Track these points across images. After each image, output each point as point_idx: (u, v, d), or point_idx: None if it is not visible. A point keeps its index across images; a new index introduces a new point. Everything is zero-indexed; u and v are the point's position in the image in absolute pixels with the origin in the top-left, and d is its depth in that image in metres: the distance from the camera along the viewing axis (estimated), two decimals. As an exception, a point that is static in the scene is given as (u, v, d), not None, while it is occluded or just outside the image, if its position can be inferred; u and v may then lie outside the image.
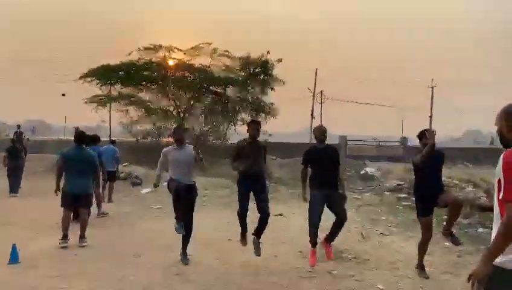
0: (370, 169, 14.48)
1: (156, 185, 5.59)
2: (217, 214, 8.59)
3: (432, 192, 4.65)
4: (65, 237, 5.86)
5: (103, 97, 23.83)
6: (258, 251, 5.11)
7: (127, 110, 23.92)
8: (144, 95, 24.20)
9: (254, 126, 5.24)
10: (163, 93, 24.39)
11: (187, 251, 5.23)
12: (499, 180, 1.99)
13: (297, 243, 6.17)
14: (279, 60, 23.53)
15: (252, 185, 5.04)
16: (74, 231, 6.07)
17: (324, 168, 4.99)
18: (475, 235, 7.02)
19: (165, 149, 5.41)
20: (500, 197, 1.96)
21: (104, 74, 23.21)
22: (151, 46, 24.18)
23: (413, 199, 10.55)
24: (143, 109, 23.39)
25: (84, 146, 6.20)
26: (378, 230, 7.41)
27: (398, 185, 12.82)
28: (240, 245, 5.30)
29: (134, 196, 11.33)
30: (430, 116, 44.74)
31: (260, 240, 5.14)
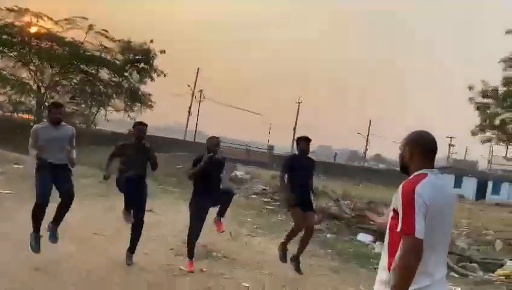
0: (240, 172, 15.20)
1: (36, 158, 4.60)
2: (82, 205, 7.95)
3: (302, 194, 5.12)
4: None
5: None
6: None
7: (-27, 76, 20.40)
8: (-1, 62, 20.99)
9: (140, 128, 4.99)
10: (24, 64, 21.48)
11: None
12: (395, 210, 1.94)
13: (169, 240, 6.18)
14: (162, 51, 23.05)
15: (133, 193, 4.84)
16: None
17: (211, 179, 4.94)
18: (324, 240, 8.03)
19: (35, 127, 4.76)
20: (398, 230, 1.88)
21: None
22: (15, 8, 21.19)
23: (276, 203, 11.53)
24: (-5, 77, 20.23)
25: None
26: (245, 231, 7.87)
27: (264, 189, 13.78)
28: (108, 239, 5.07)
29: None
30: (294, 129, 49.02)
31: None
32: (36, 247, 4.50)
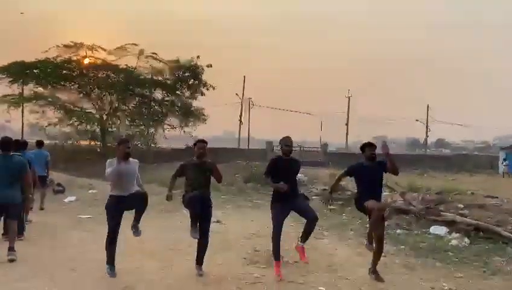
0: (299, 174, 15.13)
1: None
2: (152, 222, 8.39)
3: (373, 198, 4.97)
4: None
5: (16, 97, 21.88)
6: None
7: (43, 112, 22.30)
8: (63, 96, 22.77)
9: (201, 145, 5.14)
10: (85, 94, 23.12)
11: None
12: None
13: (240, 249, 6.34)
14: (209, 65, 23.69)
15: (201, 209, 5.02)
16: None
17: (288, 179, 5.06)
18: (394, 237, 7.76)
19: (109, 160, 5.13)
20: None
21: (17, 72, 21.35)
22: (72, 44, 22.88)
23: (339, 203, 11.35)
24: (62, 111, 21.95)
25: (10, 153, 5.76)
26: (311, 234, 7.83)
27: (324, 189, 13.63)
28: (182, 253, 5.29)
29: (58, 205, 10.62)
30: (347, 124, 48.00)
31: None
32: (112, 274, 4.90)
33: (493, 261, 6.10)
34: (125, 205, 4.96)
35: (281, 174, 5.10)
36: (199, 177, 5.07)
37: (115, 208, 4.93)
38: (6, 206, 5.55)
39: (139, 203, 5.01)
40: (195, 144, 5.28)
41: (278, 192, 5.07)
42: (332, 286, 4.82)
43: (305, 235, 5.31)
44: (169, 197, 5.28)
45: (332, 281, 5.02)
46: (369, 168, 5.04)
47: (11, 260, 5.44)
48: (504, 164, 29.87)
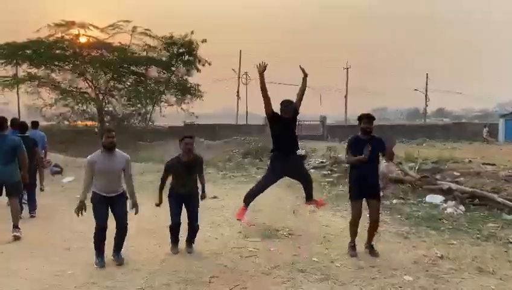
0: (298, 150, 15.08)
1: (81, 204, 4.63)
2: (150, 200, 8.41)
3: (365, 180, 4.83)
4: None
5: (10, 79, 21.58)
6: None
7: (39, 93, 22.05)
8: (57, 76, 22.45)
9: (188, 141, 4.96)
10: (80, 74, 22.76)
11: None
12: None
13: (236, 224, 6.37)
14: (204, 41, 23.21)
15: (185, 202, 5.08)
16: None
17: (287, 136, 5.39)
18: (390, 206, 7.80)
19: (89, 158, 4.61)
20: None
21: (9, 53, 20.95)
22: (63, 23, 22.35)
23: (335, 175, 11.36)
24: (58, 91, 21.68)
25: (5, 133, 5.82)
26: (307, 206, 7.87)
27: (321, 162, 13.66)
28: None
29: (56, 185, 10.64)
30: (346, 96, 47.68)
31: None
32: (101, 265, 4.58)
33: (487, 227, 6.14)
34: (109, 203, 4.62)
35: (281, 132, 5.32)
36: (187, 176, 5.00)
37: (99, 206, 4.58)
38: (3, 184, 5.65)
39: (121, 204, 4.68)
40: (181, 140, 5.02)
41: (277, 149, 5.38)
42: (325, 257, 4.85)
43: (308, 194, 5.70)
44: (158, 204, 5.16)
45: (326, 252, 5.05)
46: (366, 143, 4.77)
47: (17, 237, 5.52)
48: (485, 130, 30.03)
